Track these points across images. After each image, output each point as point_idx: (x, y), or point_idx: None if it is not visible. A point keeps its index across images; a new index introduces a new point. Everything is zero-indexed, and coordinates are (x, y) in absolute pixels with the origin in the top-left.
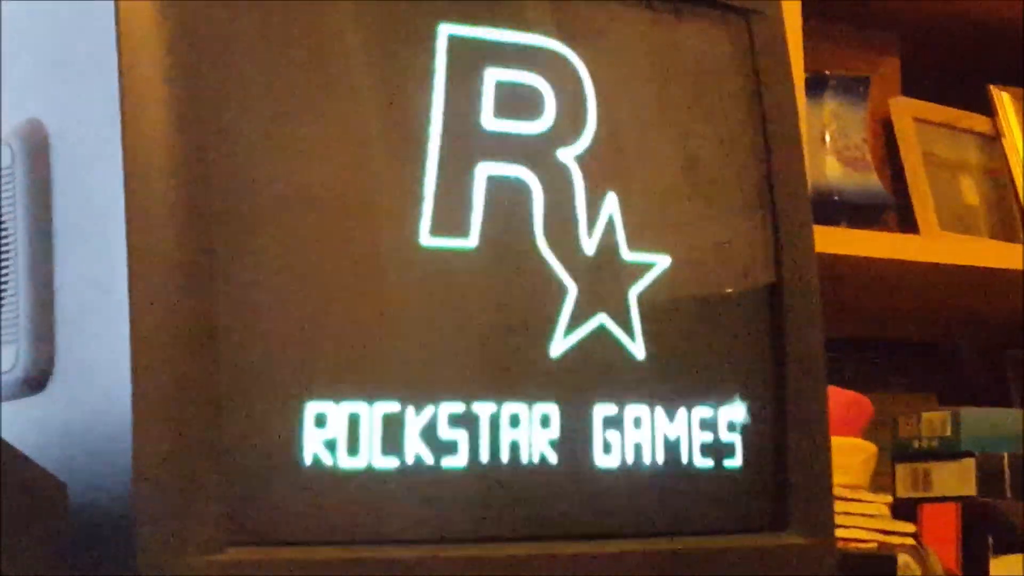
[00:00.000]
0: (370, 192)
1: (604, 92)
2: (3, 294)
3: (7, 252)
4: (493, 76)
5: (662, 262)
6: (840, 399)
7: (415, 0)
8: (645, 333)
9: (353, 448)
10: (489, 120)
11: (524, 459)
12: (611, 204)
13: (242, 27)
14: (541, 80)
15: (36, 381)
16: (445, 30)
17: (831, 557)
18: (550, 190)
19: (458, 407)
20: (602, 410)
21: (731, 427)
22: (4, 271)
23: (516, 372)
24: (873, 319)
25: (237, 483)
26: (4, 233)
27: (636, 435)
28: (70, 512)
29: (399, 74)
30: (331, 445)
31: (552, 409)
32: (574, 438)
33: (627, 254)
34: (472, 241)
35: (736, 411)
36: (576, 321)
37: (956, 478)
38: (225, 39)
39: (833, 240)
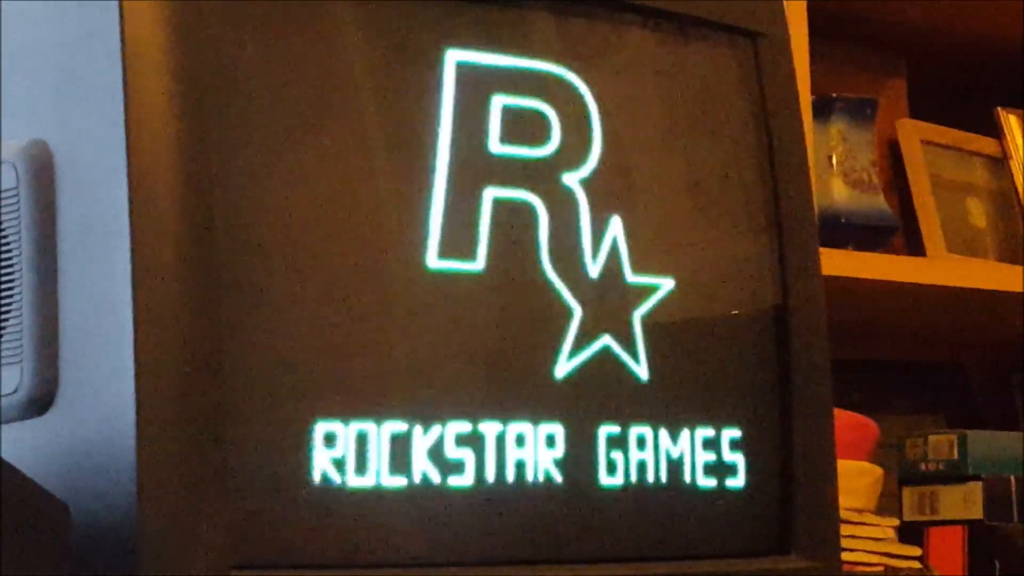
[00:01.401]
0: (378, 215)
1: (610, 116)
2: (7, 315)
3: (11, 273)
4: (500, 101)
5: (666, 284)
6: (846, 422)
7: (423, 26)
8: (649, 355)
9: (361, 467)
10: (496, 145)
11: (529, 478)
12: (616, 227)
13: (250, 52)
14: (547, 105)
15: (40, 402)
16: (453, 56)
17: None
18: (556, 213)
19: (465, 427)
20: (606, 430)
21: (735, 448)
22: (8, 292)
23: (522, 393)
24: (880, 341)
25: (243, 505)
26: (8, 253)
27: (640, 455)
28: (73, 534)
29: (407, 99)
30: (340, 464)
31: (557, 429)
32: (579, 458)
33: (632, 277)
34: (479, 264)
35: (740, 432)
36: (581, 343)
37: (963, 501)
38: (232, 64)
39: (840, 263)
